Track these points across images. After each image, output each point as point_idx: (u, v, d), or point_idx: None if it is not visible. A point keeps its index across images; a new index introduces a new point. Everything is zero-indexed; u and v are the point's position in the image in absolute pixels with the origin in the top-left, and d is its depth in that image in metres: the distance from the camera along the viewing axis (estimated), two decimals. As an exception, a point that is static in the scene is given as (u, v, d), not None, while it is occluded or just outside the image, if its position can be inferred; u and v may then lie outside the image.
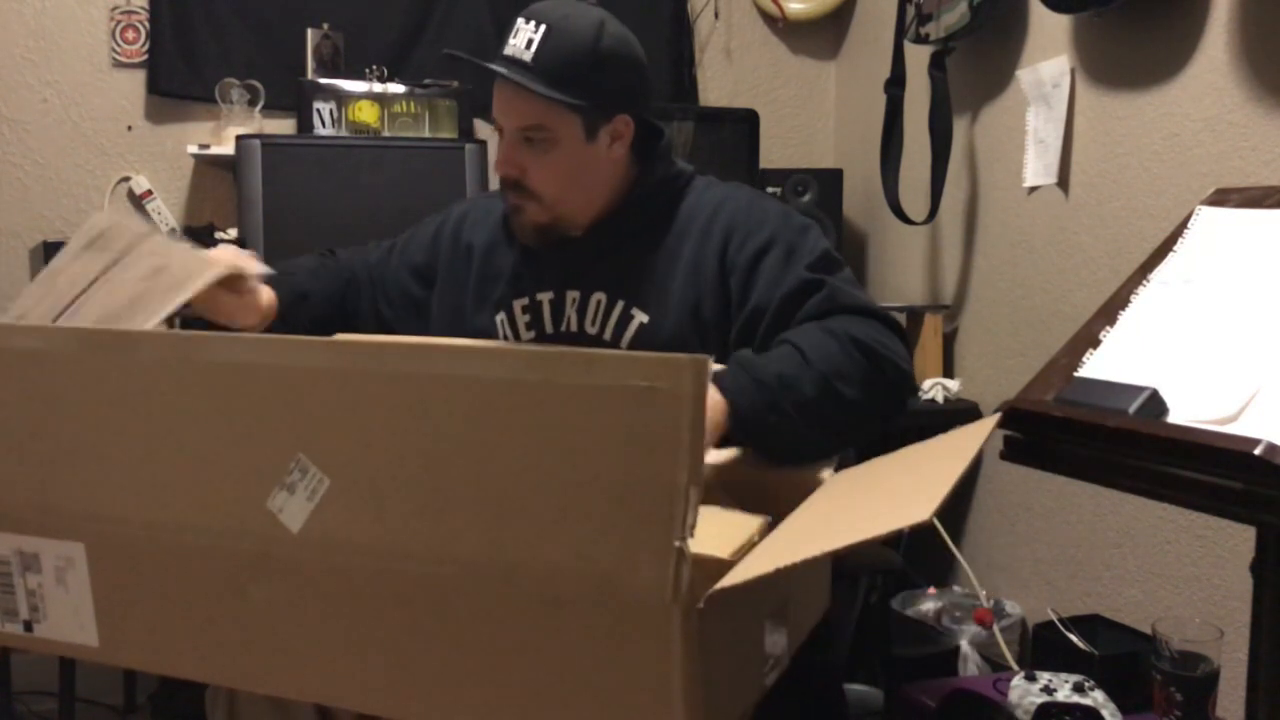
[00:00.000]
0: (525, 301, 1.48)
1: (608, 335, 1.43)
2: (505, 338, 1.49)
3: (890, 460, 1.12)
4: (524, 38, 1.37)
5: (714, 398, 1.18)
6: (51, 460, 0.94)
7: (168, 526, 0.90)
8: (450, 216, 1.61)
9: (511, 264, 1.50)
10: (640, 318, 1.41)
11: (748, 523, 1.00)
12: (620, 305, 1.42)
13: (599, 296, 1.44)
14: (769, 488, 1.15)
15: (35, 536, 0.95)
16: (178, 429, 0.90)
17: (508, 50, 1.38)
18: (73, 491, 0.94)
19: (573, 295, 1.46)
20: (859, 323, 1.28)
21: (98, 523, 0.93)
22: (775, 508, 1.04)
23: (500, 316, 1.49)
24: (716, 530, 0.92)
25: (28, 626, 0.98)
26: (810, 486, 1.12)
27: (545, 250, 1.47)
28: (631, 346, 1.40)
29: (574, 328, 1.45)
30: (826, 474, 1.18)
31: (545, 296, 1.47)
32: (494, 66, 1.37)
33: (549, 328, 1.47)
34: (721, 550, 0.89)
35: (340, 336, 1.44)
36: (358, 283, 1.60)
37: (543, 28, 1.36)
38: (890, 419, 1.31)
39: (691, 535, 0.76)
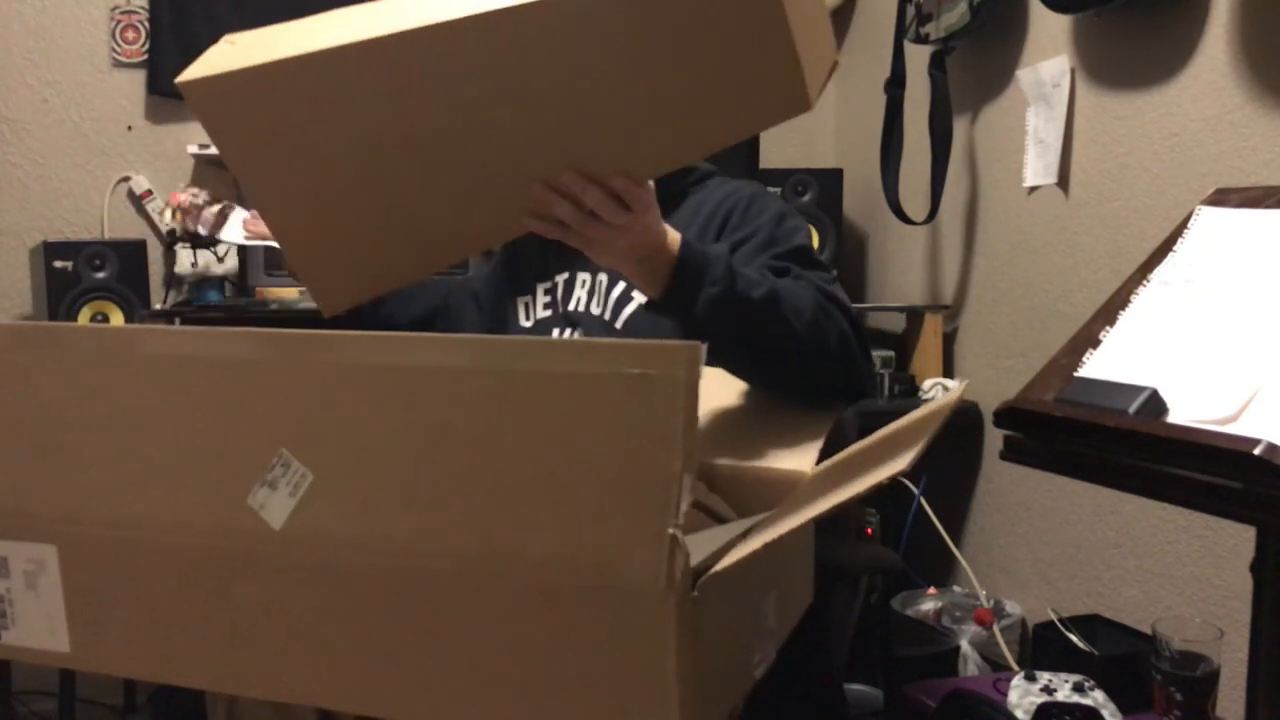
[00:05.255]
0: (548, 284, 1.52)
1: (607, 315, 1.46)
2: (526, 317, 1.53)
3: (865, 443, 1.14)
4: None
5: (671, 231, 1.20)
6: (21, 461, 0.92)
7: (144, 526, 0.88)
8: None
9: (537, 251, 1.55)
10: (640, 299, 1.43)
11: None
12: (621, 286, 1.45)
13: (602, 278, 1.47)
14: (751, 488, 1.16)
15: (5, 540, 0.93)
16: (153, 426, 0.88)
17: None
18: (44, 492, 0.92)
19: (583, 277, 1.49)
20: (820, 291, 1.30)
21: (70, 524, 0.91)
22: (757, 507, 1.05)
23: (525, 300, 1.54)
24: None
25: None
26: (793, 481, 1.13)
27: None
28: (627, 324, 1.43)
29: (582, 307, 1.48)
30: (808, 469, 1.19)
31: (561, 278, 1.51)
32: None
33: (560, 308, 1.50)
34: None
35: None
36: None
37: None
38: (838, 395, 1.30)
39: (683, 522, 0.76)
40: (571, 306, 1.49)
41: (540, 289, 1.53)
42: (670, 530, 0.75)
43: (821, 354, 1.25)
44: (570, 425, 0.78)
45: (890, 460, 0.87)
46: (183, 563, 0.88)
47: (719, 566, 0.79)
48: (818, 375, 1.27)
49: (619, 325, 1.44)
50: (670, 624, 0.76)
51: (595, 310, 1.47)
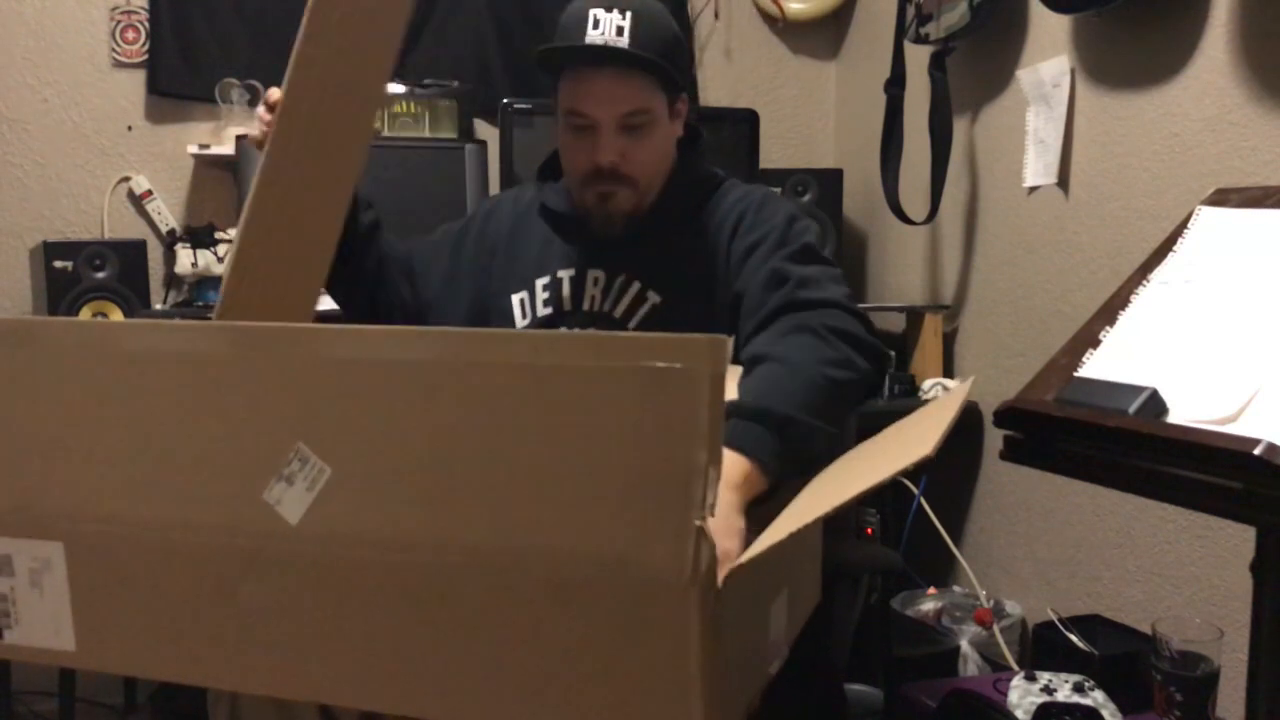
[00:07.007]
0: (547, 280, 1.51)
1: (618, 314, 1.46)
2: (523, 315, 1.52)
3: (878, 437, 1.14)
4: (612, 25, 1.41)
5: (737, 461, 1.11)
6: (27, 457, 0.91)
7: (154, 524, 0.88)
8: (476, 217, 1.65)
9: (538, 245, 1.55)
10: (654, 299, 1.46)
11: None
12: (636, 286, 1.46)
13: (619, 277, 1.48)
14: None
15: (9, 537, 0.92)
16: (166, 422, 0.88)
17: (593, 40, 1.41)
18: (50, 489, 0.91)
19: (595, 275, 1.49)
20: (827, 315, 1.30)
21: (78, 521, 0.90)
22: (770, 503, 1.05)
23: (522, 295, 1.52)
24: None
25: None
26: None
27: (570, 231, 1.53)
28: (641, 325, 1.44)
29: (597, 306, 1.48)
30: None
31: (566, 274, 1.50)
32: (594, 50, 1.41)
33: (567, 304, 1.50)
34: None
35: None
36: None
37: (629, 14, 1.42)
38: (875, 389, 1.35)
39: (712, 514, 0.75)
40: (585, 306, 1.49)
41: (539, 284, 1.52)
42: (696, 523, 0.74)
43: (863, 378, 1.29)
44: (591, 419, 0.77)
45: (912, 448, 0.87)
46: (191, 560, 0.87)
47: (742, 559, 0.79)
48: (871, 388, 1.32)
49: (632, 325, 1.44)
50: (694, 617, 0.75)
51: (606, 308, 1.47)
